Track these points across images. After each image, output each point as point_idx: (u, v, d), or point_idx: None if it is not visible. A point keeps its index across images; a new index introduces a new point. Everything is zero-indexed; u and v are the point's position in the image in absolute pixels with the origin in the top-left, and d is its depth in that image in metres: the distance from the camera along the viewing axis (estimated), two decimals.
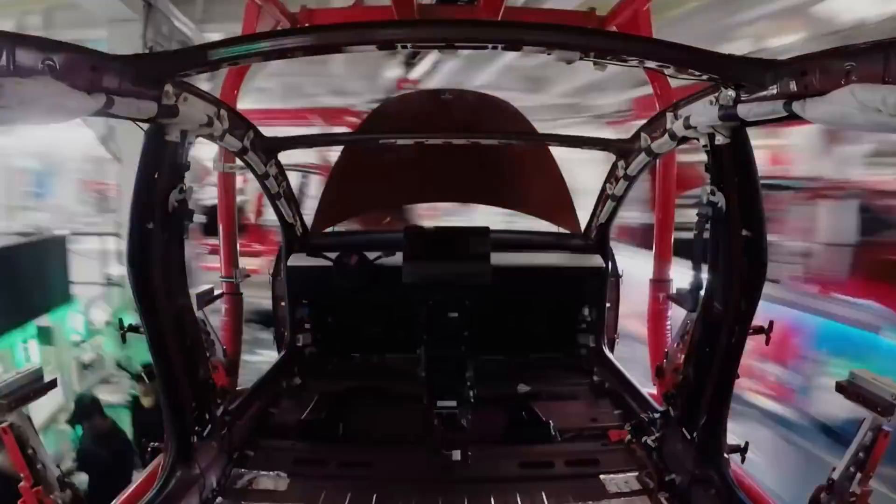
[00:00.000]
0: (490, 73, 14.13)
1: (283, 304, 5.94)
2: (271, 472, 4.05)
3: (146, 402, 7.68)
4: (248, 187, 12.68)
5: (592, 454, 4.29)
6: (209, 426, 3.90)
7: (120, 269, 10.61)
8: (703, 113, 3.22)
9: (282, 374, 5.49)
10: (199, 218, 6.34)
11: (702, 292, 3.77)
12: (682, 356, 4.18)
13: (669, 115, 3.74)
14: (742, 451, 3.84)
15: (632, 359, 6.02)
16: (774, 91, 2.59)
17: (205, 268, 10.82)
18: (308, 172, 13.94)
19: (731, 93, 2.87)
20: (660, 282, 5.78)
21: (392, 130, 5.85)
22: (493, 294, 5.34)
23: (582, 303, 5.90)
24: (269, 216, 10.99)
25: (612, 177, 5.25)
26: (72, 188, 23.29)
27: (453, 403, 4.53)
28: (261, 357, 8.59)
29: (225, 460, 4.04)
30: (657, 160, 4.84)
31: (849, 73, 2.16)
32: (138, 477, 3.75)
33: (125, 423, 8.28)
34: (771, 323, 3.57)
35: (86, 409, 7.71)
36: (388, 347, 5.95)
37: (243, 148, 4.26)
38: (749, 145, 3.22)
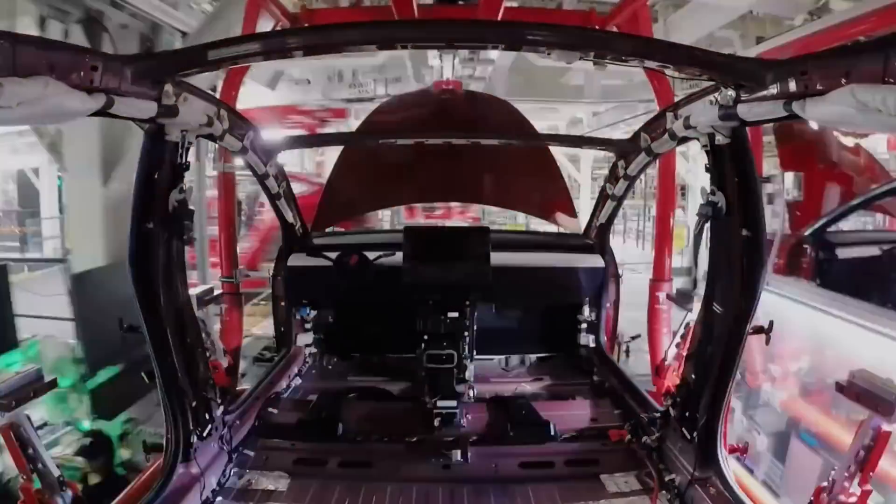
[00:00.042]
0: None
1: (282, 303, 5.95)
2: (271, 472, 4.04)
3: (93, 479, 7.08)
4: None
5: (592, 454, 4.28)
6: (209, 426, 3.89)
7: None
8: (703, 113, 3.21)
9: (282, 374, 5.48)
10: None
11: (701, 292, 3.77)
12: (682, 356, 4.19)
13: (669, 115, 3.74)
14: (742, 451, 3.85)
15: None
16: (774, 91, 2.58)
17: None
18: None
19: (731, 93, 2.87)
20: (659, 281, 5.79)
21: (392, 130, 5.86)
22: (493, 294, 5.34)
23: (582, 303, 5.90)
24: None
25: (612, 177, 5.25)
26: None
27: (453, 403, 4.54)
28: None
29: (225, 460, 4.03)
30: (657, 160, 4.83)
31: (849, 73, 2.15)
32: (138, 477, 3.74)
33: None
34: (771, 323, 3.57)
35: None
36: (388, 347, 5.96)
37: (243, 148, 4.26)
38: (749, 145, 3.22)
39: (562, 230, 6.60)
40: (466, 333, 5.19)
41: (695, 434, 3.72)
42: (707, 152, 3.41)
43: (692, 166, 18.68)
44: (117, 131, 7.67)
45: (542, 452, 4.30)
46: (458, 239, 5.52)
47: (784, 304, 5.59)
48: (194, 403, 3.72)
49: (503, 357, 5.99)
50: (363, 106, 14.22)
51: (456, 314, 5.25)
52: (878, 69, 2.05)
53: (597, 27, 5.38)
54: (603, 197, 5.54)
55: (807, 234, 6.09)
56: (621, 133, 15.45)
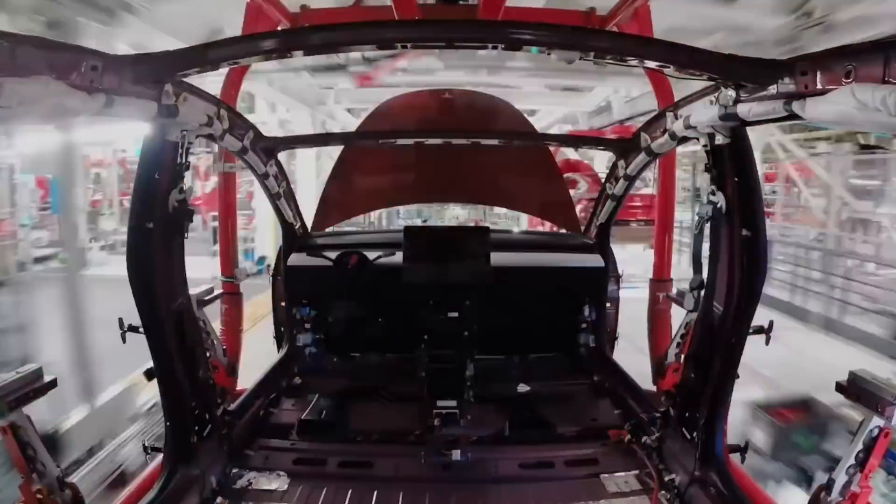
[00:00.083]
0: None
1: (282, 303, 5.95)
2: (271, 472, 4.05)
3: None
4: None
5: (592, 454, 4.29)
6: (209, 426, 3.90)
7: None
8: (703, 113, 3.22)
9: (281, 374, 5.48)
10: None
11: (702, 292, 3.77)
12: (682, 356, 4.19)
13: (670, 115, 3.75)
14: (742, 450, 3.85)
15: None
16: (774, 91, 2.59)
17: None
18: None
19: (732, 93, 2.88)
20: (660, 281, 5.78)
21: (392, 130, 5.85)
22: (493, 294, 5.34)
23: (582, 302, 5.89)
24: None
25: (612, 176, 5.25)
26: None
27: (453, 403, 4.53)
28: None
29: (225, 460, 4.04)
30: (657, 160, 4.84)
31: (849, 73, 2.16)
32: (139, 477, 3.74)
33: None
34: (771, 323, 3.57)
35: None
36: (388, 347, 5.95)
37: (243, 148, 4.27)
38: (749, 145, 3.22)
39: (561, 230, 6.60)
40: (466, 333, 5.19)
41: (695, 434, 3.72)
42: (707, 152, 3.41)
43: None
44: None
45: (542, 452, 4.31)
46: (458, 239, 5.52)
47: None
48: (194, 403, 3.73)
49: (503, 357, 5.99)
50: None
51: (456, 314, 5.25)
52: (878, 69, 2.06)
53: (597, 27, 5.38)
54: (603, 196, 5.55)
55: None
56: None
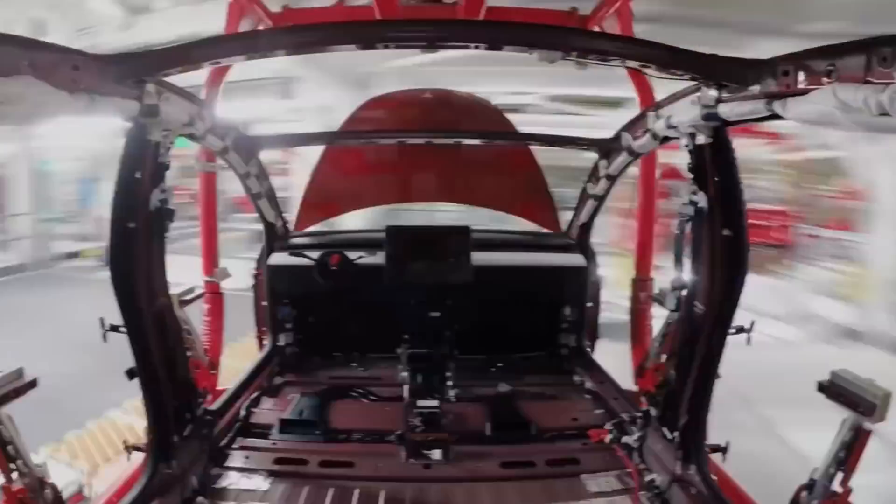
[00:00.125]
0: None
1: (263, 302, 5.92)
2: (252, 472, 4.02)
3: None
4: None
5: (573, 454, 4.28)
6: (190, 425, 3.87)
7: None
8: (684, 112, 3.22)
9: (263, 374, 5.46)
10: None
11: (683, 292, 3.78)
12: (664, 356, 4.20)
13: (651, 115, 3.75)
14: (723, 450, 3.86)
15: None
16: (756, 90, 2.60)
17: None
18: None
19: (713, 92, 2.88)
20: (641, 281, 5.80)
21: (374, 130, 5.84)
22: (474, 293, 5.34)
23: (563, 302, 5.91)
24: None
25: (593, 176, 5.26)
26: None
27: (435, 403, 4.52)
28: None
29: (206, 460, 4.01)
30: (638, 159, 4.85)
31: (830, 73, 2.16)
32: (119, 477, 3.71)
33: None
34: (752, 322, 3.59)
35: None
36: (370, 347, 5.93)
37: (224, 147, 4.24)
38: (730, 145, 3.23)
39: (543, 230, 6.61)
40: (448, 332, 5.18)
41: (676, 434, 3.73)
42: (689, 152, 3.42)
43: None
44: None
45: (523, 452, 4.30)
46: (439, 238, 5.52)
47: None
48: (175, 403, 3.70)
49: (484, 356, 5.99)
50: None
51: (437, 313, 5.25)
52: (860, 69, 2.07)
53: (578, 27, 5.38)
54: (584, 196, 5.56)
55: None
56: None
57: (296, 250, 5.68)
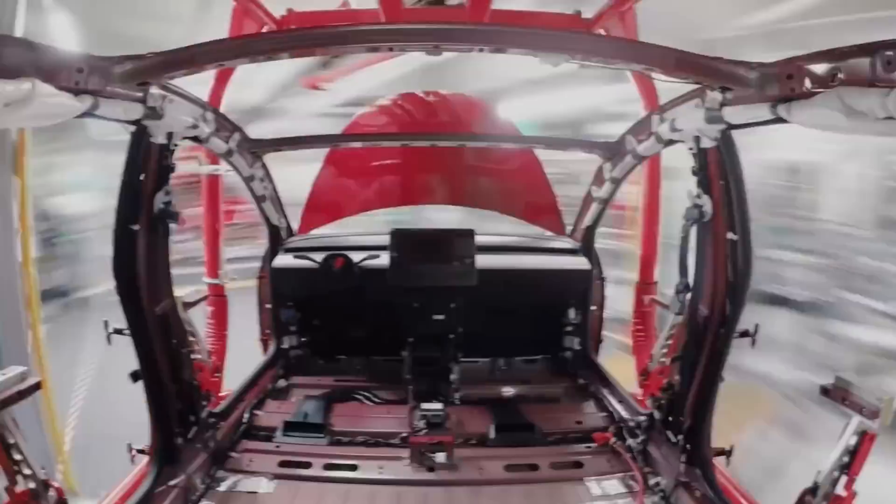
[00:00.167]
0: None
1: (267, 305, 5.92)
2: (256, 475, 4.02)
3: None
4: None
5: (577, 457, 4.29)
6: (194, 428, 3.88)
7: None
8: (689, 116, 3.22)
9: (267, 376, 5.46)
10: None
11: (687, 295, 3.77)
12: (668, 359, 4.19)
13: (655, 118, 3.75)
14: (727, 454, 3.85)
15: None
16: (761, 94, 2.59)
17: None
18: None
19: (718, 96, 2.88)
20: (645, 284, 5.80)
21: (377, 133, 5.85)
22: (478, 296, 5.33)
23: (567, 305, 5.89)
24: None
25: (597, 179, 5.25)
26: None
27: (439, 406, 4.52)
28: None
29: (210, 462, 4.01)
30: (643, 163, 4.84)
31: (835, 77, 2.16)
32: (123, 479, 3.71)
33: None
34: (757, 326, 3.58)
35: None
36: (374, 350, 5.93)
37: (229, 150, 4.25)
38: (735, 148, 3.22)
39: (547, 233, 6.60)
40: (452, 336, 5.18)
41: (680, 437, 3.73)
42: (693, 155, 3.41)
43: None
44: None
45: (527, 455, 4.30)
46: (443, 241, 5.51)
47: None
48: (179, 405, 3.71)
49: (488, 359, 5.98)
50: None
51: (442, 316, 5.25)
52: (865, 73, 2.06)
53: (583, 30, 5.38)
54: (588, 199, 5.55)
55: None
56: None
57: (300, 253, 5.67)
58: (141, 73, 2.78)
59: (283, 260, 5.77)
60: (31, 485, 2.81)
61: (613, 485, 3.97)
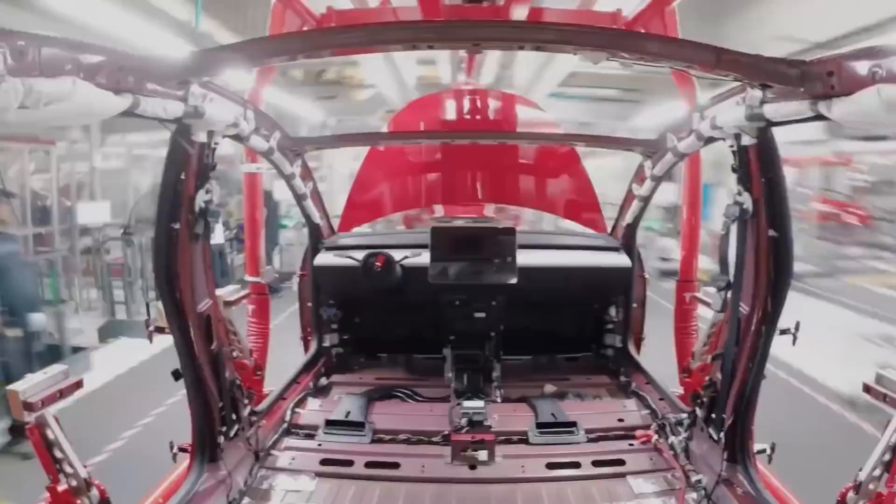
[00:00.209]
0: None
1: (309, 303, 5.99)
2: (298, 472, 4.07)
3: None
4: None
5: (619, 454, 4.28)
6: (236, 426, 3.94)
7: None
8: (729, 113, 3.20)
9: (308, 375, 5.53)
10: None
11: (728, 292, 3.76)
12: (709, 357, 4.18)
13: (696, 116, 3.73)
14: (770, 452, 3.84)
15: None
16: (801, 91, 2.58)
17: None
18: None
19: (758, 93, 2.86)
20: (686, 282, 5.77)
21: (418, 131, 5.88)
22: (519, 294, 5.34)
23: (608, 303, 5.88)
24: None
25: (638, 177, 5.24)
26: None
27: (480, 404, 4.54)
28: None
29: (252, 461, 4.07)
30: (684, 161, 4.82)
31: (875, 73, 2.15)
32: (165, 477, 3.77)
33: None
34: (798, 323, 3.56)
35: None
36: (415, 348, 5.97)
37: (269, 148, 4.30)
38: (775, 145, 3.20)
39: (588, 231, 6.59)
40: (493, 333, 5.20)
41: (722, 434, 3.71)
42: (733, 153, 3.40)
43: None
44: None
45: (569, 453, 4.30)
46: (484, 239, 5.52)
47: None
48: (221, 404, 3.77)
49: (530, 357, 6.00)
50: None
51: (483, 314, 5.27)
52: None
53: (623, 27, 5.37)
54: (629, 197, 5.53)
55: None
56: None
57: (341, 251, 5.72)
58: (181, 72, 2.83)
59: (324, 258, 5.82)
60: (73, 483, 2.86)
61: (656, 482, 3.96)
